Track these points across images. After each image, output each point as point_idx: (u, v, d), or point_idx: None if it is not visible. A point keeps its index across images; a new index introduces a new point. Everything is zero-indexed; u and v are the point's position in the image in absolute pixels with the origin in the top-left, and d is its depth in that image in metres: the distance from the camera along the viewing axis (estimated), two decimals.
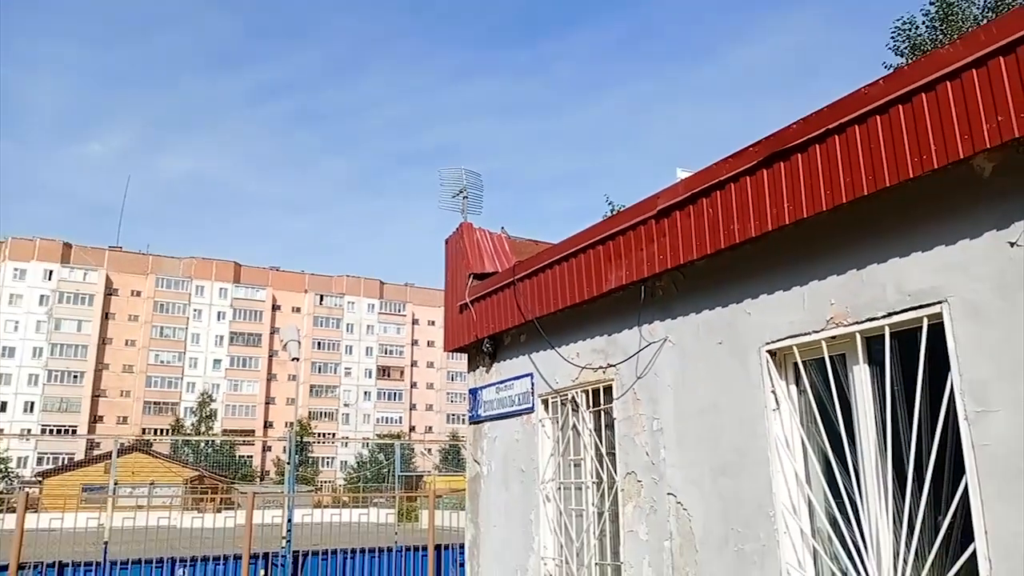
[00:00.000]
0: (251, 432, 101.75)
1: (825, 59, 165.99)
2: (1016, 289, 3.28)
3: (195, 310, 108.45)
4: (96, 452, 71.21)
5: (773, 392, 4.45)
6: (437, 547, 13.82)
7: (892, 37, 20.26)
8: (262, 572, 12.59)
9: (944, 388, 3.55)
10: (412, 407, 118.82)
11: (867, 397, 4.00)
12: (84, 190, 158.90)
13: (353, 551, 13.44)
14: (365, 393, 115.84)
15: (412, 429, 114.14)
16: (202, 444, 78.11)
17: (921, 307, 3.63)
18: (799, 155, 4.10)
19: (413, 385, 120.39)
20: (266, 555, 12.85)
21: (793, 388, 4.46)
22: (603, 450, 5.97)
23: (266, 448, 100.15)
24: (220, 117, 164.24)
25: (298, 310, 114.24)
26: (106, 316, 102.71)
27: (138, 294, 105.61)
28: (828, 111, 3.94)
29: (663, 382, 5.25)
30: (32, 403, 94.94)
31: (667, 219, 5.03)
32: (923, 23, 19.82)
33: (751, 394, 4.53)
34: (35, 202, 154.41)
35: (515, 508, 6.98)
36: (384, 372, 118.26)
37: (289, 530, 13.19)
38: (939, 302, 3.55)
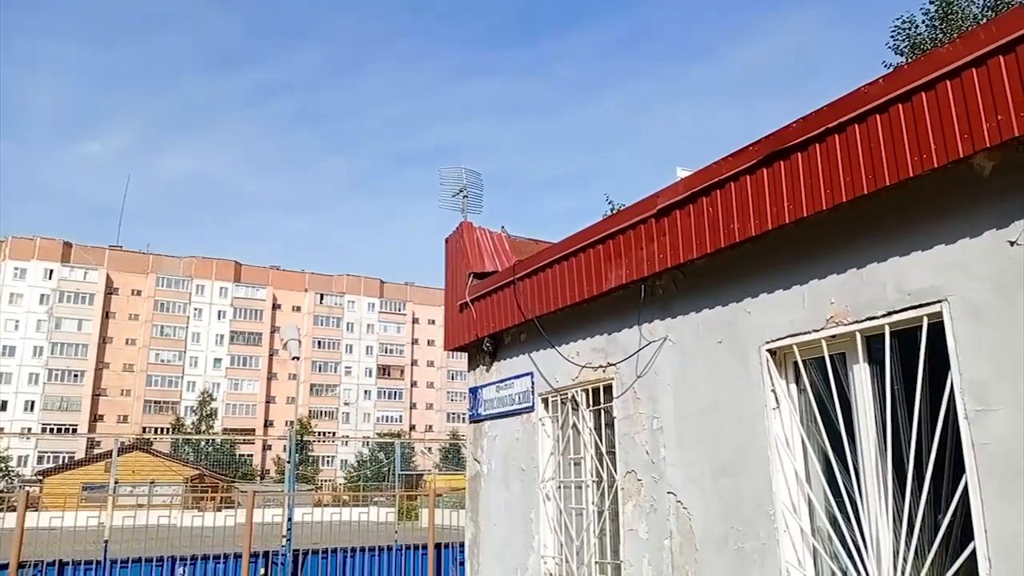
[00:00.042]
0: (251, 431, 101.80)
1: (825, 59, 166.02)
2: (1016, 288, 3.28)
3: (195, 309, 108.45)
4: (96, 451, 71.10)
5: (773, 391, 4.45)
6: (437, 546, 13.81)
7: (892, 36, 20.23)
8: (262, 571, 12.58)
9: (944, 387, 3.55)
10: (412, 406, 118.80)
11: (867, 396, 4.00)
12: (84, 190, 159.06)
13: (353, 550, 13.43)
14: (365, 392, 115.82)
15: (412, 428, 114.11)
16: (202, 443, 78.01)
17: (921, 306, 3.63)
18: (799, 154, 4.10)
19: (413, 384, 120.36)
20: (266, 554, 12.83)
21: (793, 387, 4.46)
22: (603, 449, 5.97)
23: (266, 447, 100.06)
24: (220, 117, 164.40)
25: (298, 309, 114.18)
26: (106, 315, 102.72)
27: (138, 293, 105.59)
28: (828, 110, 3.95)
29: (663, 381, 5.25)
30: (32, 402, 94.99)
31: (667, 218, 5.03)
32: (923, 22, 19.79)
33: (751, 393, 4.53)
34: (35, 202, 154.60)
35: (515, 507, 6.98)
36: (384, 371, 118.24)
37: (289, 529, 13.18)
38: (939, 301, 3.56)
